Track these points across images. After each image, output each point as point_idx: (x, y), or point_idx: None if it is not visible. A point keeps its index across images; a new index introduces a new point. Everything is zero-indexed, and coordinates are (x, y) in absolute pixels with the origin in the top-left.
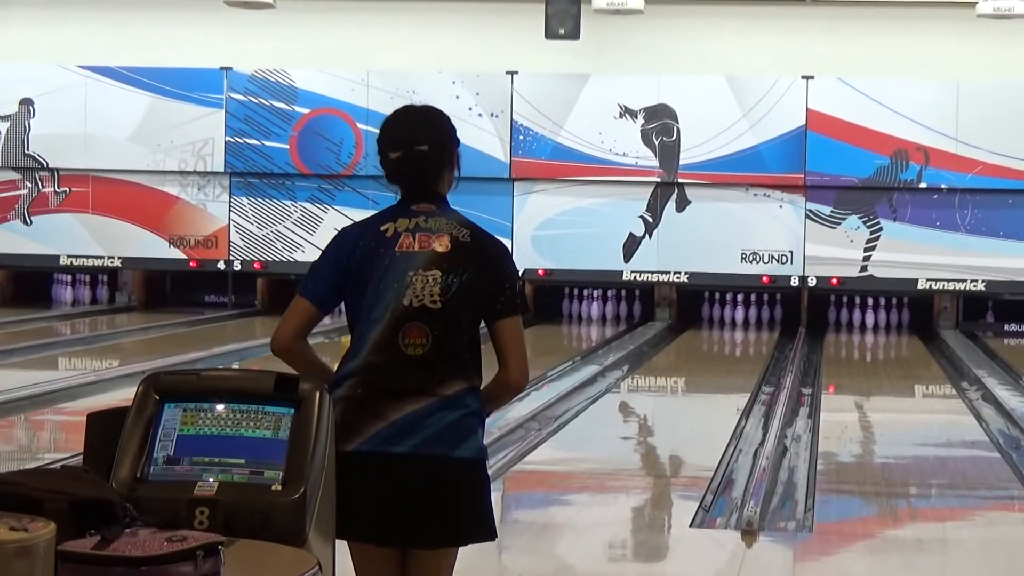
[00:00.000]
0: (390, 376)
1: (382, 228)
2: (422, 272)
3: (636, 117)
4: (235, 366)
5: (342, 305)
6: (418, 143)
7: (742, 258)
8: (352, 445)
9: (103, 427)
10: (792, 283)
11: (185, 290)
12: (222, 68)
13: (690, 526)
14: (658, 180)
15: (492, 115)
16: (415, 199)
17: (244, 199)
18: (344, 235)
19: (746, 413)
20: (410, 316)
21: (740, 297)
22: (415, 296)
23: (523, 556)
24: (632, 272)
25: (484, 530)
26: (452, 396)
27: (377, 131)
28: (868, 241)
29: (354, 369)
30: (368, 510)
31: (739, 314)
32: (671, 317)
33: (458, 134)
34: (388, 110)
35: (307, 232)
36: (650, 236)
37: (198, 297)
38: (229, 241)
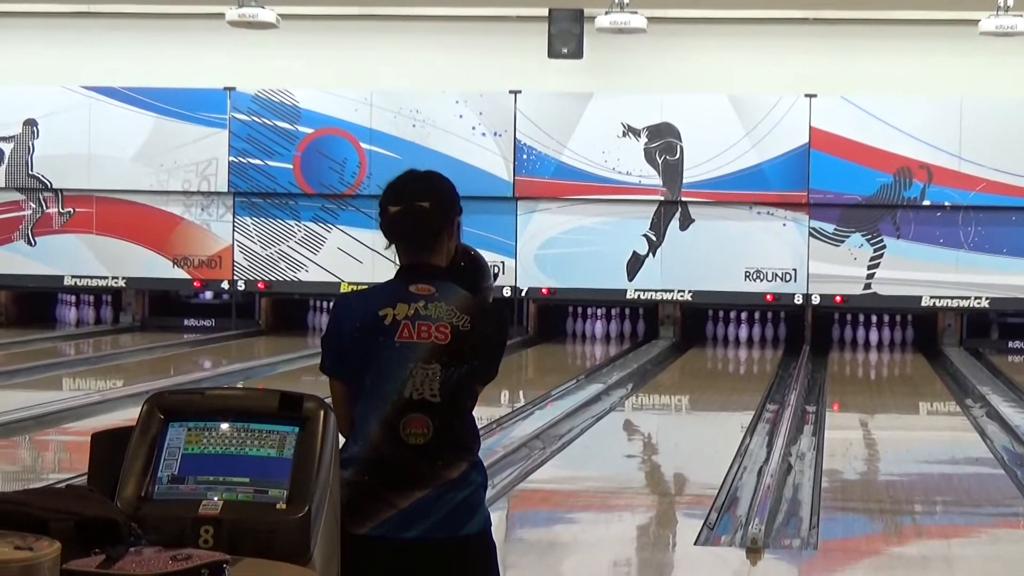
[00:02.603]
0: (394, 465)
1: (381, 313)
2: (422, 365)
3: (639, 136)
4: (239, 385)
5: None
6: (420, 199)
7: (746, 276)
8: (363, 529)
9: (108, 446)
10: (796, 301)
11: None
12: (225, 88)
13: (695, 544)
14: (661, 199)
15: (495, 134)
16: (414, 277)
17: (248, 219)
18: (344, 309)
19: (750, 431)
20: (410, 408)
21: (744, 315)
22: (415, 389)
23: (528, 574)
24: (636, 290)
25: None
26: (457, 478)
27: (380, 150)
28: (872, 259)
29: (357, 456)
30: None
31: (743, 332)
32: (675, 335)
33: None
34: (391, 130)
35: (311, 252)
36: (653, 254)
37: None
38: (233, 261)
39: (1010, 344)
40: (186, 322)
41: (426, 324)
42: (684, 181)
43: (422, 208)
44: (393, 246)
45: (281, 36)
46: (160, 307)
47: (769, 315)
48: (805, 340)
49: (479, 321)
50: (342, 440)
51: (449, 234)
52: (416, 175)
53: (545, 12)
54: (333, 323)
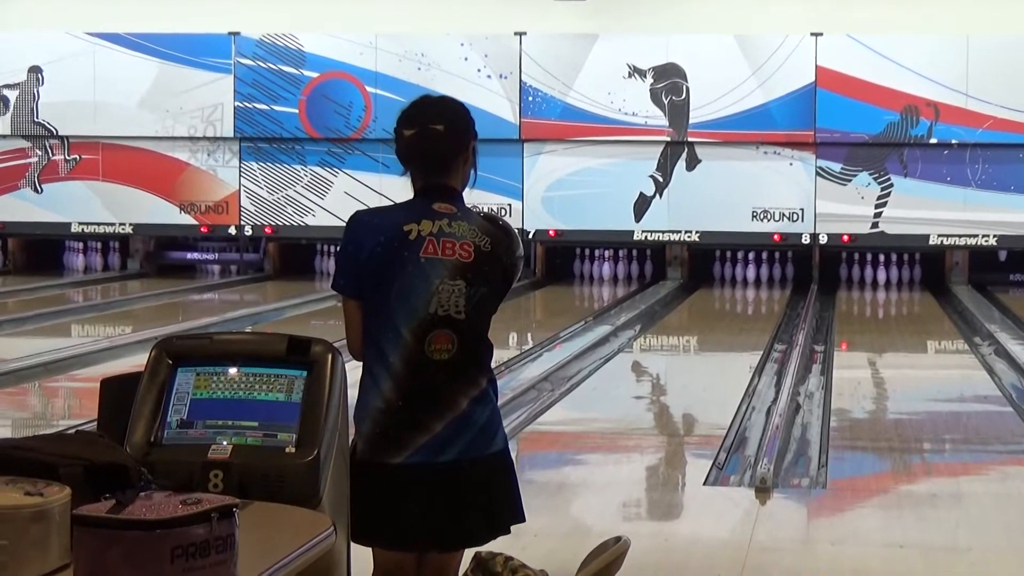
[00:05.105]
0: (423, 384)
1: (405, 228)
2: (448, 281)
3: (645, 76)
4: (248, 330)
5: None
6: (434, 123)
7: (753, 216)
8: (400, 458)
9: (117, 392)
10: (803, 241)
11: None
12: (230, 33)
13: (704, 484)
14: (668, 139)
15: (501, 76)
16: (434, 196)
17: (254, 164)
18: (364, 226)
19: (759, 371)
20: (436, 324)
21: (751, 255)
22: (440, 305)
23: (538, 516)
24: (643, 232)
25: (519, 516)
26: (480, 395)
27: (386, 94)
28: (879, 197)
29: (385, 377)
30: (420, 519)
31: (751, 272)
32: (683, 276)
33: (473, 113)
34: (397, 73)
35: (317, 196)
36: (660, 195)
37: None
38: (240, 206)
39: (1011, 277)
40: (188, 254)
41: (451, 241)
42: (690, 121)
43: (436, 131)
44: (408, 173)
45: None
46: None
47: (776, 255)
48: (813, 279)
49: (497, 244)
50: (359, 365)
51: (464, 159)
52: (430, 100)
53: None
54: (353, 238)
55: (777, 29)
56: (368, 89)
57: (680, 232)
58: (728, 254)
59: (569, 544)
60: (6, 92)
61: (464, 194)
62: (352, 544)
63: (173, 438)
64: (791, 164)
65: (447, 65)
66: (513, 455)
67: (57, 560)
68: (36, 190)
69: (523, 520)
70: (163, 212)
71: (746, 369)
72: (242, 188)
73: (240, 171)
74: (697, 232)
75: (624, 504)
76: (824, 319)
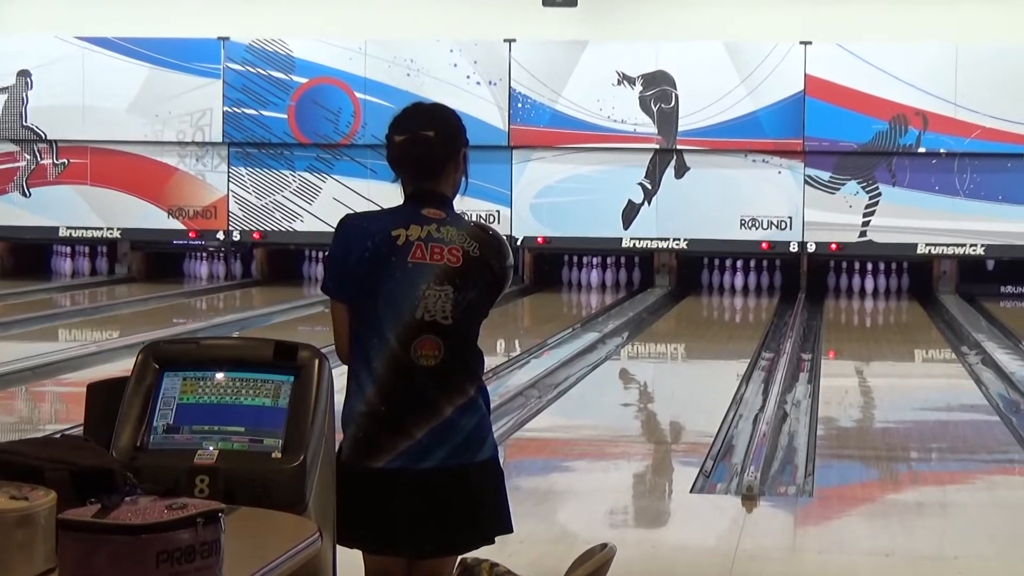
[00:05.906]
0: (408, 390)
1: (393, 233)
2: (435, 287)
3: (634, 84)
4: (235, 335)
5: None
6: (425, 129)
7: (741, 224)
8: (381, 462)
9: (103, 397)
10: (791, 249)
11: None
12: (219, 38)
13: (691, 492)
14: (657, 147)
15: (490, 83)
16: (424, 202)
17: (242, 169)
18: (353, 230)
19: (746, 379)
20: (422, 329)
21: (739, 263)
22: (427, 311)
23: (524, 523)
24: (631, 239)
25: (506, 525)
26: (467, 403)
27: (375, 99)
28: (867, 206)
29: (370, 382)
30: (401, 525)
31: (738, 280)
32: (670, 284)
33: (463, 119)
34: (386, 79)
35: (306, 202)
36: (649, 203)
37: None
38: (228, 211)
39: (1001, 288)
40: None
41: (439, 246)
42: (679, 129)
43: (427, 137)
44: (399, 180)
45: None
46: (156, 257)
47: (765, 263)
48: (801, 288)
49: (486, 249)
50: (345, 368)
51: (455, 165)
52: (421, 107)
53: None
54: (342, 242)
55: (766, 37)
56: (357, 95)
57: (668, 240)
58: (716, 262)
59: (555, 551)
60: None
61: (454, 201)
62: (339, 550)
63: (159, 443)
64: (779, 172)
65: (436, 71)
66: (500, 462)
67: (42, 564)
68: (24, 194)
69: (510, 530)
70: (151, 217)
71: (733, 377)
72: (231, 193)
73: (229, 176)
74: (685, 240)
75: (611, 511)
76: (812, 327)
